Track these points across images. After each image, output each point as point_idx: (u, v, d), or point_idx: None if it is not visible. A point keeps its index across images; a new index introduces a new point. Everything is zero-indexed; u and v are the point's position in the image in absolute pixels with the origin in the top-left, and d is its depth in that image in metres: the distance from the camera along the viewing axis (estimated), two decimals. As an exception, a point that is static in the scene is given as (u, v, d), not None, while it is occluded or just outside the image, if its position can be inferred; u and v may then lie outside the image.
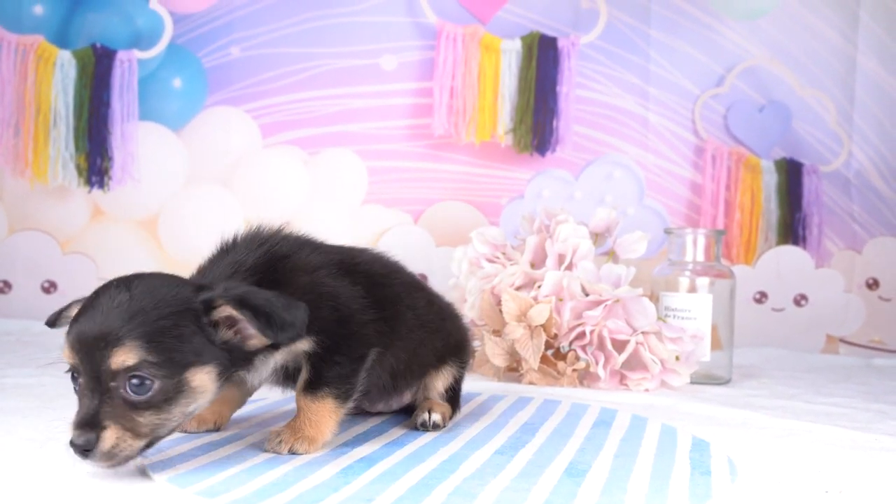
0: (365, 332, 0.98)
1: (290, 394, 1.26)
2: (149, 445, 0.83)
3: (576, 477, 0.89)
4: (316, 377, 0.96)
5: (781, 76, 2.30)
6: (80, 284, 2.10)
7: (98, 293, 0.84)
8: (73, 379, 0.82)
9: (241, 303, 0.84)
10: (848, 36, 2.30)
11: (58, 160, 2.05)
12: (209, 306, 0.85)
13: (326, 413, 0.96)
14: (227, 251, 0.97)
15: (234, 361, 0.87)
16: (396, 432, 1.08)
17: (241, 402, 1.10)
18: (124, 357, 0.79)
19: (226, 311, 0.85)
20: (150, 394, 0.80)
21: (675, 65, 2.28)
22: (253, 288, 0.88)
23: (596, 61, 2.25)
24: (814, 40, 2.30)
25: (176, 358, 0.82)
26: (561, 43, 2.19)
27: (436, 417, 1.10)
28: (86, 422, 0.79)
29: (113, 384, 0.80)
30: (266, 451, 0.94)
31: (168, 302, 0.83)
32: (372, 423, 1.14)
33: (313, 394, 0.96)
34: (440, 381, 1.15)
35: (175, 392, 0.82)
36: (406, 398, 1.17)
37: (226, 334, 0.86)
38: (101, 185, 2.07)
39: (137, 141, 2.10)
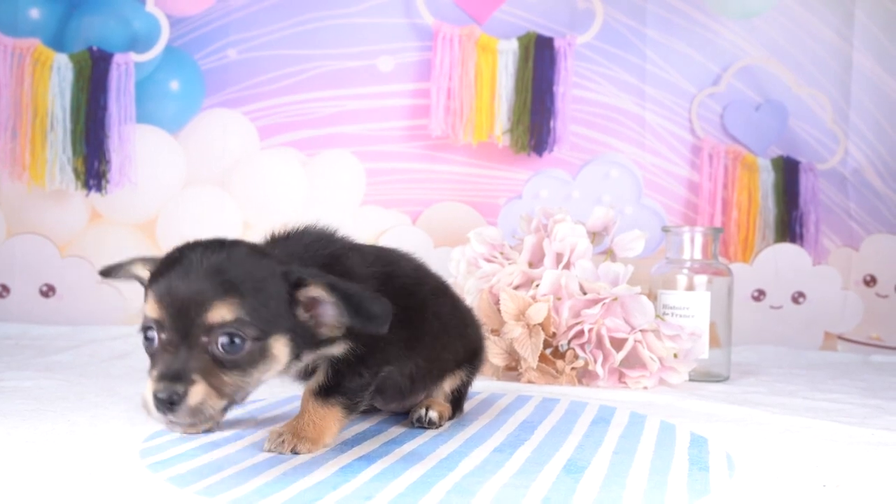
0: (389, 349, 0.98)
1: (290, 394, 1.27)
2: (225, 409, 0.84)
3: (574, 474, 0.89)
4: (334, 383, 0.96)
5: (778, 75, 2.30)
6: (78, 288, 2.10)
7: (184, 252, 0.85)
8: (147, 338, 0.83)
9: (333, 286, 0.85)
10: (844, 34, 2.30)
11: (55, 163, 2.05)
12: (299, 283, 0.85)
13: (332, 419, 0.96)
14: (278, 242, 0.97)
15: (299, 346, 0.88)
16: (395, 431, 1.08)
17: None
18: (223, 312, 0.80)
19: (314, 291, 0.86)
20: (239, 353, 0.81)
21: (671, 64, 2.28)
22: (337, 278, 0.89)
23: (592, 61, 2.26)
24: (810, 39, 2.31)
25: (266, 321, 0.83)
26: (557, 43, 2.19)
27: (432, 414, 1.10)
28: (172, 375, 0.78)
29: (204, 339, 0.80)
30: (266, 450, 0.94)
31: (264, 267, 0.85)
32: (370, 422, 1.14)
33: (324, 398, 0.96)
34: (448, 384, 1.16)
35: (259, 355, 0.83)
36: (419, 399, 1.17)
37: (302, 315, 0.87)
38: (99, 188, 2.07)
39: (135, 144, 2.10)
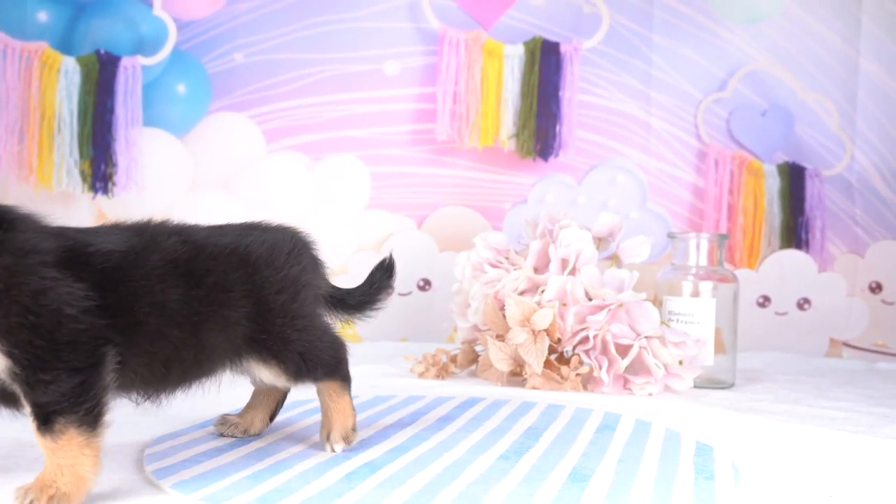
0: (83, 338, 0.76)
1: (296, 397, 1.26)
2: None
3: (579, 482, 0.89)
4: (38, 408, 0.74)
5: (784, 80, 2.30)
6: (84, 290, 2.11)
7: None
8: None
9: None
10: (849, 39, 2.30)
11: (62, 166, 2.05)
12: None
13: (76, 451, 0.75)
14: None
15: None
16: (400, 437, 1.08)
17: None
18: None
19: None
20: None
21: (677, 69, 2.28)
22: None
23: (598, 66, 2.26)
24: (815, 44, 2.30)
25: None
26: (563, 48, 2.19)
27: (337, 447, 0.99)
28: None
29: None
30: None
31: None
32: (375, 428, 1.14)
33: (50, 430, 0.74)
34: (266, 374, 0.97)
35: None
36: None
37: None
38: (106, 190, 2.08)
39: (141, 147, 2.10)
